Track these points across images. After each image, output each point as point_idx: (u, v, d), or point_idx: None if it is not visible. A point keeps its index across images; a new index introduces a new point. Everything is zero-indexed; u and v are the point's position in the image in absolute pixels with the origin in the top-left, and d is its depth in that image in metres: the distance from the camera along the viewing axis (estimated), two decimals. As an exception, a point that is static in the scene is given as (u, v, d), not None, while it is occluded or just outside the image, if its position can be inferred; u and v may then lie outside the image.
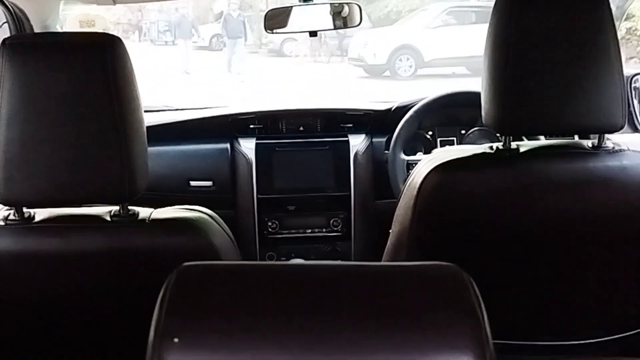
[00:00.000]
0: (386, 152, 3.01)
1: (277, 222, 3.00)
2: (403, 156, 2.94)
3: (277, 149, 3.07)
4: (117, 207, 1.70)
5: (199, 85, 12.40)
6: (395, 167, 2.92)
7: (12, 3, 2.53)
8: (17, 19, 2.60)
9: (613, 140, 1.94)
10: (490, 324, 0.90)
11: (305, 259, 2.94)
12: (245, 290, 0.90)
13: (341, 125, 3.13)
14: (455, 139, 2.98)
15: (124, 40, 1.73)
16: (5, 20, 2.60)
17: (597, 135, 1.92)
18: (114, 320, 1.58)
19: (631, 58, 8.94)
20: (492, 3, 1.88)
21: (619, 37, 3.40)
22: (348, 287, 0.90)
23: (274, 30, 3.04)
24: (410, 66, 13.81)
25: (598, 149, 1.91)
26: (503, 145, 1.93)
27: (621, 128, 1.89)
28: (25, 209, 1.69)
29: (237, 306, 0.88)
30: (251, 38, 15.55)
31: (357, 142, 3.08)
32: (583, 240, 1.92)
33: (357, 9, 3.00)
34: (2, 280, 1.67)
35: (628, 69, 3.01)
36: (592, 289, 2.00)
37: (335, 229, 3.03)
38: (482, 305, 0.88)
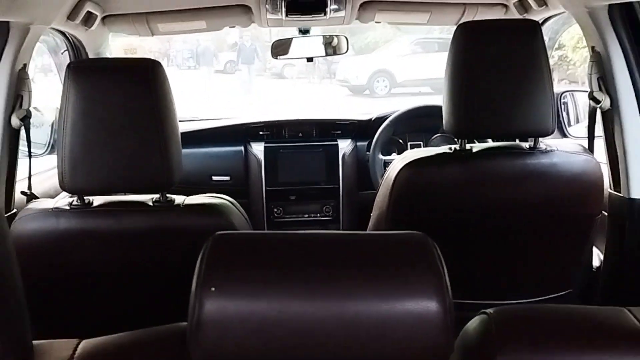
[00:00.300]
0: (367, 153, 2.99)
1: (281, 209, 2.98)
2: (381, 156, 2.92)
3: (281, 150, 3.04)
4: (157, 195, 1.69)
5: (222, 100, 12.30)
6: (375, 165, 2.90)
7: (71, 34, 2.51)
8: (75, 47, 2.60)
9: (545, 142, 1.94)
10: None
11: None
12: (264, 251, 0.89)
13: (332, 132, 3.10)
14: (422, 142, 2.95)
15: (156, 65, 1.70)
16: (65, 48, 2.59)
17: (533, 139, 1.92)
18: (156, 282, 1.58)
19: (562, 80, 8.87)
20: (451, 36, 1.89)
21: (552, 62, 3.37)
22: (341, 249, 0.89)
23: (279, 57, 3.02)
24: (386, 86, 13.61)
25: (534, 149, 1.91)
26: (460, 147, 1.93)
27: (552, 133, 1.89)
28: (85, 197, 1.68)
29: (258, 263, 0.88)
30: (257, 63, 15.43)
31: (345, 146, 3.06)
32: (522, 220, 1.91)
33: (344, 40, 3.01)
34: (68, 251, 1.65)
35: (559, 88, 3.02)
36: (529, 259, 1.99)
37: (327, 214, 3.00)
38: (443, 263, 0.87)
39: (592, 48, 2.08)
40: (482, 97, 1.85)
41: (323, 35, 3.00)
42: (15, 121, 1.99)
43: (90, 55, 2.64)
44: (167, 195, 1.70)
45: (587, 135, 2.15)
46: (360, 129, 3.10)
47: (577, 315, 1.03)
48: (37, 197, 1.94)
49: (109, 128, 1.61)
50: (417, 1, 2.65)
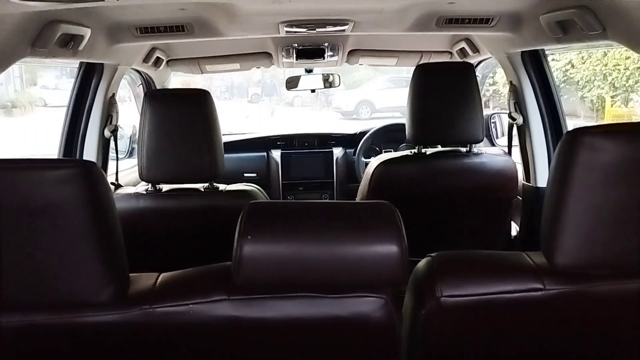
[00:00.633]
0: (353, 157, 2.96)
1: (292, 197, 2.94)
2: (363, 159, 2.91)
3: (292, 155, 3.02)
4: (207, 184, 1.68)
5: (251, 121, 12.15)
6: (359, 165, 2.89)
7: (145, 72, 2.52)
8: (147, 81, 2.60)
9: (478, 148, 1.94)
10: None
11: None
12: (282, 213, 0.93)
13: (328, 142, 3.07)
14: (392, 149, 2.91)
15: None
16: (140, 82, 2.60)
17: (468, 145, 1.92)
18: (206, 245, 1.55)
19: (495, 107, 8.80)
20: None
21: (489, 94, 3.35)
22: (334, 211, 0.94)
23: (290, 89, 3.00)
24: (368, 112, 13.34)
25: (469, 152, 1.92)
26: (417, 151, 1.93)
27: (481, 141, 1.89)
28: (157, 185, 1.68)
29: (279, 221, 0.91)
30: (274, 95, 15.27)
31: (338, 152, 3.04)
32: (461, 201, 1.90)
33: (337, 77, 3.00)
34: (145, 222, 1.63)
35: (491, 112, 3.01)
36: (466, 229, 1.95)
37: (325, 200, 2.96)
38: (402, 222, 0.90)
39: (510, 82, 2.10)
40: (433, 116, 1.84)
41: (322, 74, 2.98)
42: (107, 133, 2.03)
43: (158, 87, 2.63)
44: (214, 183, 1.69)
45: (507, 143, 2.18)
46: (348, 140, 3.07)
47: (492, 257, 1.04)
48: (121, 186, 1.95)
49: (173, 137, 1.59)
50: (388, 49, 2.63)
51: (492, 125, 2.86)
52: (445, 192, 1.89)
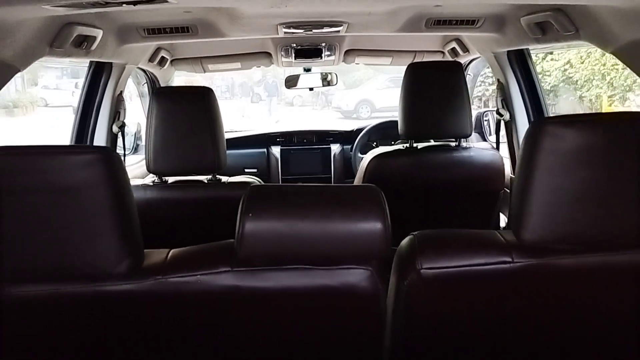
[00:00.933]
0: (350, 153, 3.02)
1: None
2: (359, 155, 2.94)
3: (292, 152, 3.07)
4: (210, 176, 1.75)
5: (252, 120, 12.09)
6: (355, 160, 2.94)
7: (150, 71, 2.60)
8: (151, 80, 2.68)
9: (469, 143, 2.02)
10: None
11: None
12: (280, 194, 1.03)
13: (326, 139, 3.13)
14: (388, 146, 2.97)
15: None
16: (145, 81, 2.68)
17: (457, 139, 1.99)
18: (209, 231, 1.51)
19: (494, 106, 8.79)
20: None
21: (489, 94, 3.38)
22: (326, 193, 1.03)
23: (290, 88, 3.07)
24: (368, 111, 13.30)
25: (458, 146, 1.99)
26: (409, 145, 2.00)
27: (469, 135, 1.96)
28: (163, 177, 1.74)
29: (276, 200, 1.01)
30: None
31: (335, 148, 3.09)
32: (450, 193, 1.96)
33: (335, 75, 3.06)
34: (152, 211, 1.68)
35: (483, 110, 3.05)
36: (455, 221, 2.02)
37: None
38: (385, 203, 1.00)
39: (498, 80, 2.21)
40: (423, 112, 1.90)
41: (320, 73, 3.04)
42: (115, 128, 2.14)
43: (162, 85, 2.71)
44: (217, 175, 1.75)
45: (495, 139, 2.28)
46: (346, 137, 3.12)
47: (468, 234, 1.12)
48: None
49: (179, 131, 1.64)
50: (382, 49, 2.71)
51: (485, 122, 2.93)
52: (436, 184, 1.95)
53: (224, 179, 1.78)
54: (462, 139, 1.99)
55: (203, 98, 1.66)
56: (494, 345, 1.10)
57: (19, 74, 1.34)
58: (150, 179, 1.78)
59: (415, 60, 2.68)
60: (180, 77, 3.67)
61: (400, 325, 1.10)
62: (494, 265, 1.04)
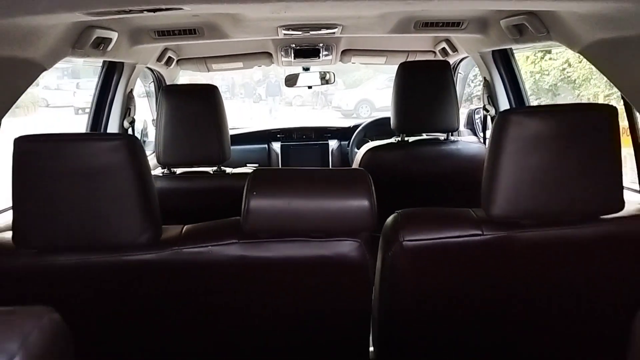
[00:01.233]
0: (347, 148, 3.14)
1: None
2: (356, 150, 2.98)
3: (291, 147, 3.18)
4: (215, 167, 1.86)
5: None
6: (352, 156, 3.02)
7: (157, 70, 2.73)
8: (158, 79, 2.81)
9: (459, 138, 2.18)
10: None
11: None
12: (282, 175, 1.16)
13: (324, 135, 3.25)
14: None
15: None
16: (152, 80, 2.81)
17: (446, 133, 2.11)
18: (217, 214, 1.51)
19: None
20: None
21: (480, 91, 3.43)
22: (320, 174, 1.17)
23: (290, 86, 3.18)
24: (368, 111, 13.22)
25: (446, 140, 2.11)
26: (401, 139, 2.13)
27: (457, 130, 2.10)
28: (171, 168, 1.86)
29: (279, 180, 1.14)
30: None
31: (333, 144, 3.21)
32: (439, 184, 2.07)
33: (333, 74, 3.18)
34: (162, 200, 1.57)
35: (474, 107, 3.17)
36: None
37: None
38: (372, 183, 1.13)
39: (484, 78, 2.37)
40: (414, 108, 2.02)
41: (319, 72, 3.16)
42: (125, 124, 2.30)
43: (168, 83, 2.83)
44: (221, 167, 1.86)
45: (482, 133, 2.42)
46: (343, 133, 3.24)
47: (445, 211, 1.27)
48: None
49: (186, 126, 1.75)
50: (377, 49, 2.84)
51: (477, 118, 3.00)
52: (425, 175, 2.08)
53: (228, 170, 1.89)
54: (450, 133, 2.12)
55: (209, 95, 1.78)
56: (468, 308, 1.25)
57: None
58: (159, 171, 1.89)
59: (408, 60, 2.81)
60: (184, 77, 3.80)
61: (386, 291, 1.25)
62: (466, 237, 1.19)
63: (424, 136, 2.29)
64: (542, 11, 1.57)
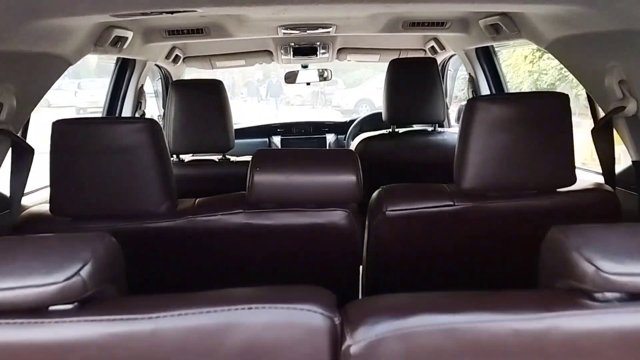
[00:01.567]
0: (344, 141, 3.30)
1: None
2: (352, 143, 3.05)
3: (291, 141, 3.35)
4: (220, 155, 2.00)
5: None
6: (348, 147, 3.17)
7: (164, 67, 2.89)
8: (165, 75, 2.97)
9: (442, 129, 2.30)
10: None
11: None
12: (282, 154, 1.33)
13: (322, 129, 3.42)
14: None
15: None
16: (159, 76, 2.97)
17: (433, 125, 2.27)
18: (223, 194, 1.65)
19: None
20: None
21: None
22: (314, 154, 1.33)
23: (289, 83, 3.33)
24: (367, 110, 12.93)
25: (434, 131, 2.28)
26: (391, 130, 2.29)
27: (443, 121, 2.25)
28: (180, 156, 1.98)
29: (279, 158, 1.31)
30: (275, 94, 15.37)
31: (330, 138, 3.39)
32: (426, 171, 2.16)
33: (330, 72, 3.34)
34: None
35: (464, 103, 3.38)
36: None
37: None
38: (359, 161, 1.28)
39: (469, 74, 2.56)
40: (403, 101, 2.18)
41: (317, 69, 3.32)
42: (137, 116, 2.49)
43: (175, 78, 2.98)
44: (226, 156, 1.99)
45: None
46: (340, 127, 3.41)
47: (423, 186, 1.43)
48: None
49: (193, 117, 1.88)
50: (371, 48, 3.01)
51: None
52: (413, 162, 2.24)
53: (233, 158, 2.04)
54: (437, 125, 2.28)
55: (215, 89, 1.93)
56: (442, 269, 1.45)
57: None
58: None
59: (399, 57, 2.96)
60: (189, 75, 3.98)
61: (372, 256, 1.44)
62: (440, 207, 1.38)
63: (414, 127, 2.44)
64: (512, 12, 1.77)
